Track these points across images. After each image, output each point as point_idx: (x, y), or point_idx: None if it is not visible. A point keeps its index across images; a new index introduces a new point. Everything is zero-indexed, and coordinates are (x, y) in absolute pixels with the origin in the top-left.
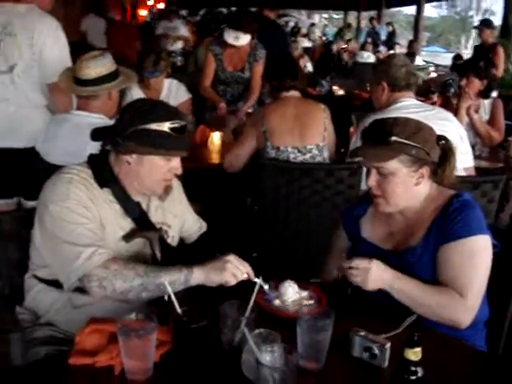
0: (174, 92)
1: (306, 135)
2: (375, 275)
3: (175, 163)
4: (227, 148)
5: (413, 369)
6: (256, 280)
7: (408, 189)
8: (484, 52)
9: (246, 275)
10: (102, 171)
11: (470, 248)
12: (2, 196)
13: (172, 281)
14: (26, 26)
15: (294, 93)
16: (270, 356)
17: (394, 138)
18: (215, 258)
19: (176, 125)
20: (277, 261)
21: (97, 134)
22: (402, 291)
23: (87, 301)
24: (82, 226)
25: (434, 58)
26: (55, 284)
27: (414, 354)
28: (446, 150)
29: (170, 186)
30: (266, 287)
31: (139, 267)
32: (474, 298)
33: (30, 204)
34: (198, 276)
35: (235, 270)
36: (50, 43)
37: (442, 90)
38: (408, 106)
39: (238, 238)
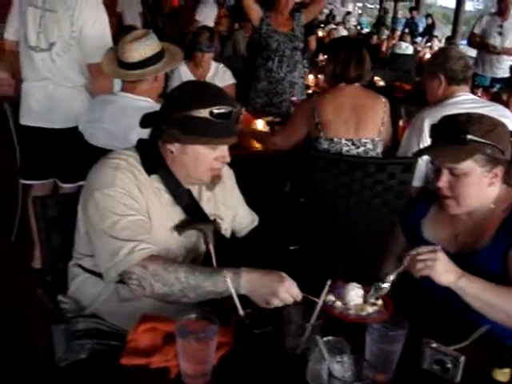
0: (220, 74)
1: (362, 128)
2: (442, 266)
3: (221, 152)
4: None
5: None
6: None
7: (481, 190)
8: None
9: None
10: (151, 157)
11: None
12: (38, 177)
13: (214, 292)
14: (67, 1)
15: (355, 85)
16: (339, 367)
17: (469, 137)
18: (267, 275)
19: (221, 110)
20: (318, 255)
21: (145, 120)
22: (470, 290)
23: None
24: (125, 218)
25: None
26: (101, 275)
27: (503, 375)
28: None
29: (218, 175)
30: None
31: (180, 271)
32: None
33: (66, 186)
34: (244, 291)
35: (286, 298)
36: (90, 21)
37: None
38: (465, 101)
39: (277, 228)
